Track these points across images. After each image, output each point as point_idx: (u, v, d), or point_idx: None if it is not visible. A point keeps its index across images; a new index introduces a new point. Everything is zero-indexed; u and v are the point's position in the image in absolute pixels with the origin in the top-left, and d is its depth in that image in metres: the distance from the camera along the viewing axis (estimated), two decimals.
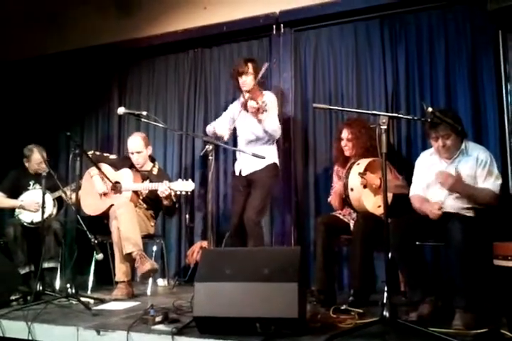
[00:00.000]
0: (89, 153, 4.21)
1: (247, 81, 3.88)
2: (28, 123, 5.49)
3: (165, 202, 3.90)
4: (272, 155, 3.89)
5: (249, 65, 3.90)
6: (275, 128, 3.83)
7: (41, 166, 4.28)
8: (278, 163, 3.97)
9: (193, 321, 2.49)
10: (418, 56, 4.04)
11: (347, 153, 3.65)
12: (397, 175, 3.61)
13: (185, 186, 3.68)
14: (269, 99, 3.82)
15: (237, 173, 4.02)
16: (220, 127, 3.95)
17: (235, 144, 4.17)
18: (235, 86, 4.06)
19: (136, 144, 4.15)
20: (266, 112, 3.72)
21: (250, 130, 3.89)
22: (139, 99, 5.18)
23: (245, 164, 3.91)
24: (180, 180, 3.73)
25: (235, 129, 4.03)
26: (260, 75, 3.72)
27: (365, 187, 3.41)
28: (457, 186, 2.88)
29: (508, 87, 3.62)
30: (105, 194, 4.07)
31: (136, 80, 5.22)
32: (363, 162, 3.42)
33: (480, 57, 3.82)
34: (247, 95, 3.79)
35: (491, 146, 3.54)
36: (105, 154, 4.33)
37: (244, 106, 3.79)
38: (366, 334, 2.38)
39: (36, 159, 4.35)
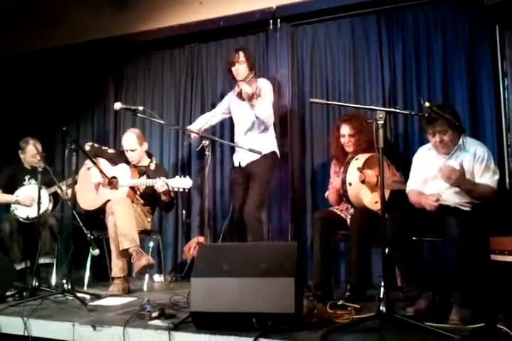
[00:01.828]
0: (88, 144, 4.20)
1: (239, 69, 3.89)
2: (25, 119, 5.46)
3: (163, 198, 3.88)
4: (270, 143, 3.91)
5: (240, 53, 3.91)
6: (267, 115, 3.82)
7: (36, 158, 4.26)
8: (277, 151, 3.97)
9: (190, 316, 2.49)
10: (415, 51, 4.03)
11: (350, 149, 3.59)
12: (395, 171, 3.60)
13: (183, 183, 3.64)
14: (264, 85, 3.83)
15: (236, 164, 4.02)
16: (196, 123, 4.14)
17: (233, 135, 4.16)
18: (231, 78, 4.05)
19: (130, 142, 4.11)
20: (260, 98, 3.74)
21: (246, 118, 3.89)
22: (135, 94, 5.16)
23: (244, 154, 3.89)
24: (177, 176, 3.70)
25: (232, 121, 4.03)
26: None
27: (363, 182, 3.39)
28: (461, 180, 2.85)
29: (506, 82, 3.60)
30: (102, 184, 4.04)
31: (132, 75, 5.20)
32: (362, 157, 3.40)
33: (477, 52, 3.82)
34: (241, 83, 3.81)
35: (488, 142, 3.53)
36: (104, 147, 4.29)
37: (239, 93, 3.79)
38: (363, 329, 2.38)
39: (31, 151, 4.32)
